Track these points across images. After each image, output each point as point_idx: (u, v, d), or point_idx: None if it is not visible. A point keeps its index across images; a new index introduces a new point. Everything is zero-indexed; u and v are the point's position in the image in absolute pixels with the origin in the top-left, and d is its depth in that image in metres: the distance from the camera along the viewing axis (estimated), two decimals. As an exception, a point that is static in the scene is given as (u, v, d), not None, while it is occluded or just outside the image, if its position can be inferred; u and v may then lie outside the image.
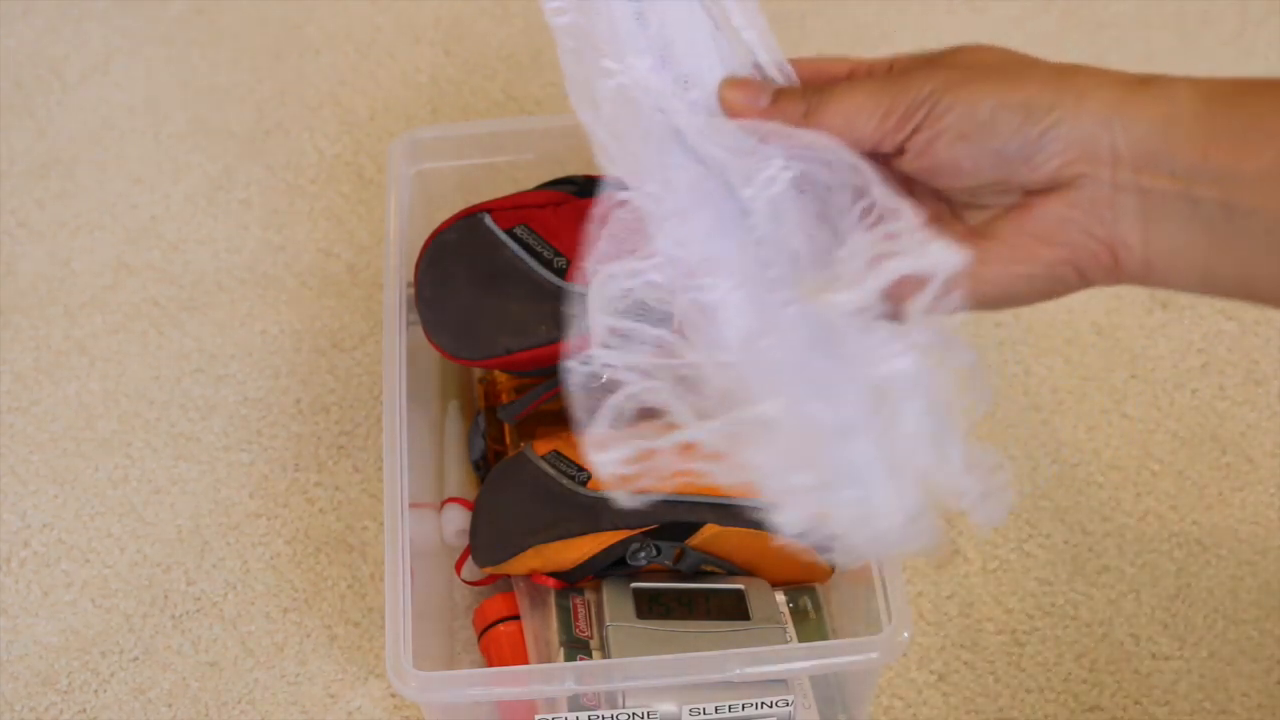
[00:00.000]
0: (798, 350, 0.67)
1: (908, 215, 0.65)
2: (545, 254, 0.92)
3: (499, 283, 0.92)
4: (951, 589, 0.98)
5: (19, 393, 1.08)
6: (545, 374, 0.94)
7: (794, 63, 0.71)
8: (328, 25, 1.28)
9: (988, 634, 0.96)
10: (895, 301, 0.65)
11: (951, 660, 0.95)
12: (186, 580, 1.00)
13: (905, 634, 0.82)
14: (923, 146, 0.64)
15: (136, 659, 0.97)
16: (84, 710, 0.95)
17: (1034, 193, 0.64)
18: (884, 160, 0.67)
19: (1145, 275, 0.63)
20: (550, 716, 0.86)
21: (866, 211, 0.66)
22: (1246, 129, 0.60)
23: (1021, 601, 0.97)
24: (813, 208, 0.68)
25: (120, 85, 1.25)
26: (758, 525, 0.90)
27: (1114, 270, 0.64)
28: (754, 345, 0.66)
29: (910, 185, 0.68)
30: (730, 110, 0.69)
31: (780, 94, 0.68)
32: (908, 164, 0.66)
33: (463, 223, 0.94)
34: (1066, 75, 0.63)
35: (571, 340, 0.92)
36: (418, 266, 0.94)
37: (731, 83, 0.69)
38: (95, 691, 0.95)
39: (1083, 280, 0.64)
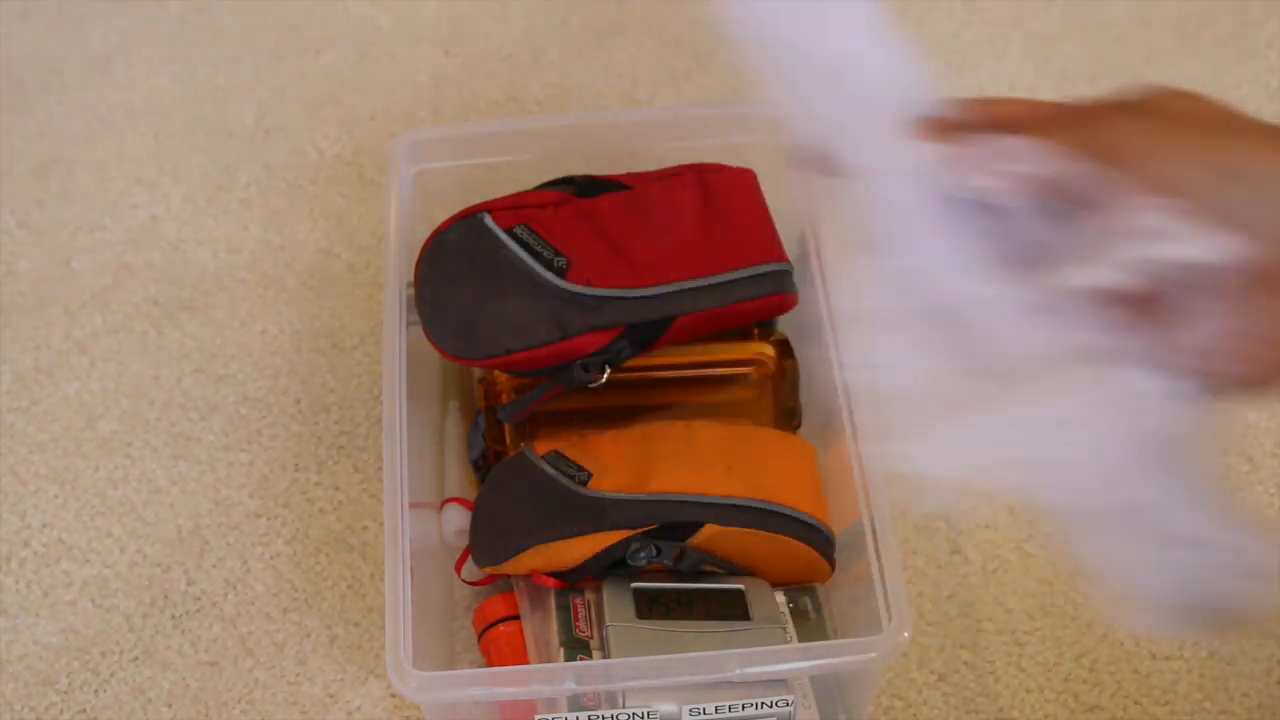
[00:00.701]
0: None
1: (1170, 206, 0.55)
2: (545, 254, 0.92)
3: (499, 283, 0.92)
4: (951, 589, 0.98)
5: (19, 393, 1.08)
6: (545, 374, 0.94)
7: (963, 103, 0.65)
8: (328, 25, 1.28)
9: (988, 634, 0.96)
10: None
11: (951, 660, 0.95)
12: (186, 580, 1.00)
13: (905, 634, 0.82)
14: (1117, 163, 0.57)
15: (136, 659, 0.97)
16: (84, 710, 0.95)
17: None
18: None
19: None
20: (550, 716, 0.86)
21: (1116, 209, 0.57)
22: None
23: (1021, 601, 0.97)
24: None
25: (120, 85, 1.25)
26: (758, 525, 0.90)
27: None
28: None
29: None
30: (920, 136, 0.62)
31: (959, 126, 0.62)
32: None
33: (463, 223, 0.94)
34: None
35: (571, 341, 0.92)
36: (418, 266, 0.94)
37: (920, 120, 0.63)
38: (95, 691, 0.95)
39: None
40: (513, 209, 0.94)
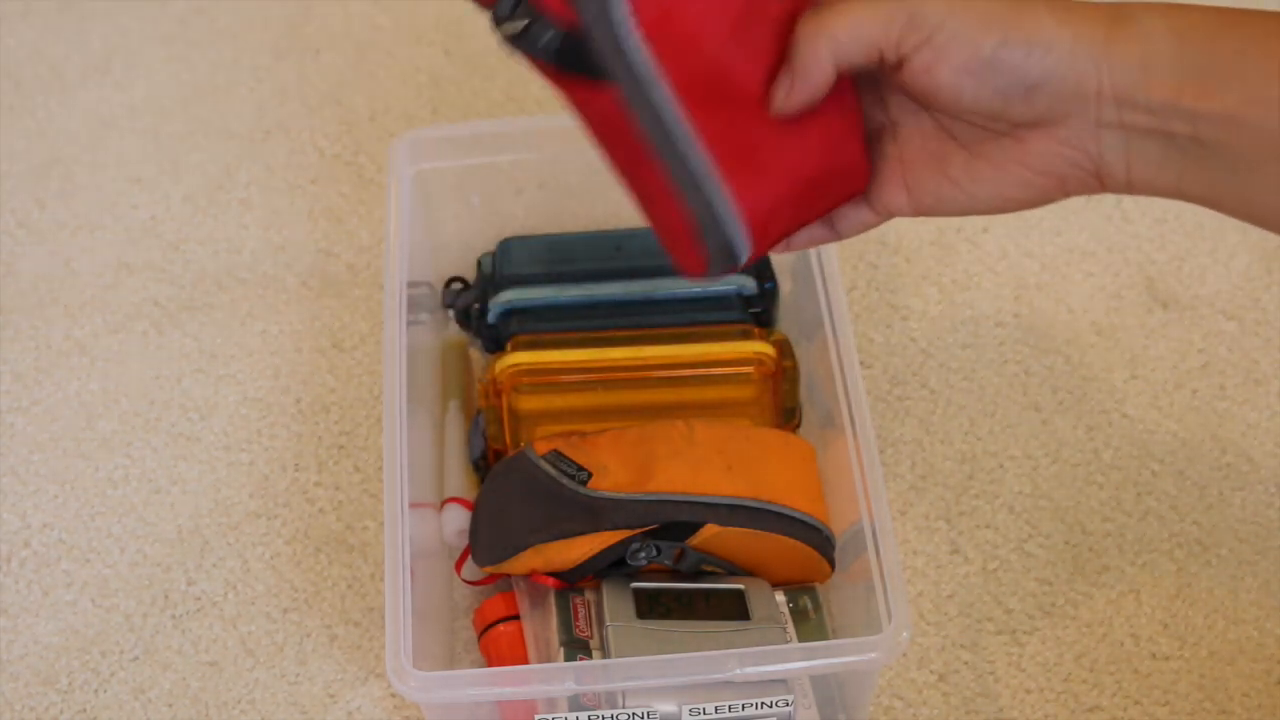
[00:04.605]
0: None
1: None
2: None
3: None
4: (951, 589, 0.98)
5: (19, 393, 1.08)
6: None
7: None
8: (328, 25, 1.28)
9: (988, 634, 0.96)
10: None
11: (951, 660, 0.95)
12: (186, 580, 1.00)
13: (905, 634, 0.82)
14: (924, 66, 0.67)
15: (136, 659, 0.97)
16: (84, 710, 0.95)
17: (1023, 125, 0.68)
18: (888, 76, 0.70)
19: (1125, 190, 0.70)
20: (550, 716, 0.86)
21: None
22: (1213, 71, 0.65)
23: (1021, 601, 0.97)
24: None
25: (120, 85, 1.25)
26: (758, 525, 0.90)
27: (1096, 188, 0.70)
28: None
29: (904, 104, 0.72)
30: (784, 109, 0.69)
31: (796, 34, 0.68)
32: (909, 81, 0.69)
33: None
34: (1059, 12, 0.66)
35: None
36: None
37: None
38: (95, 691, 0.95)
39: (1064, 194, 0.70)
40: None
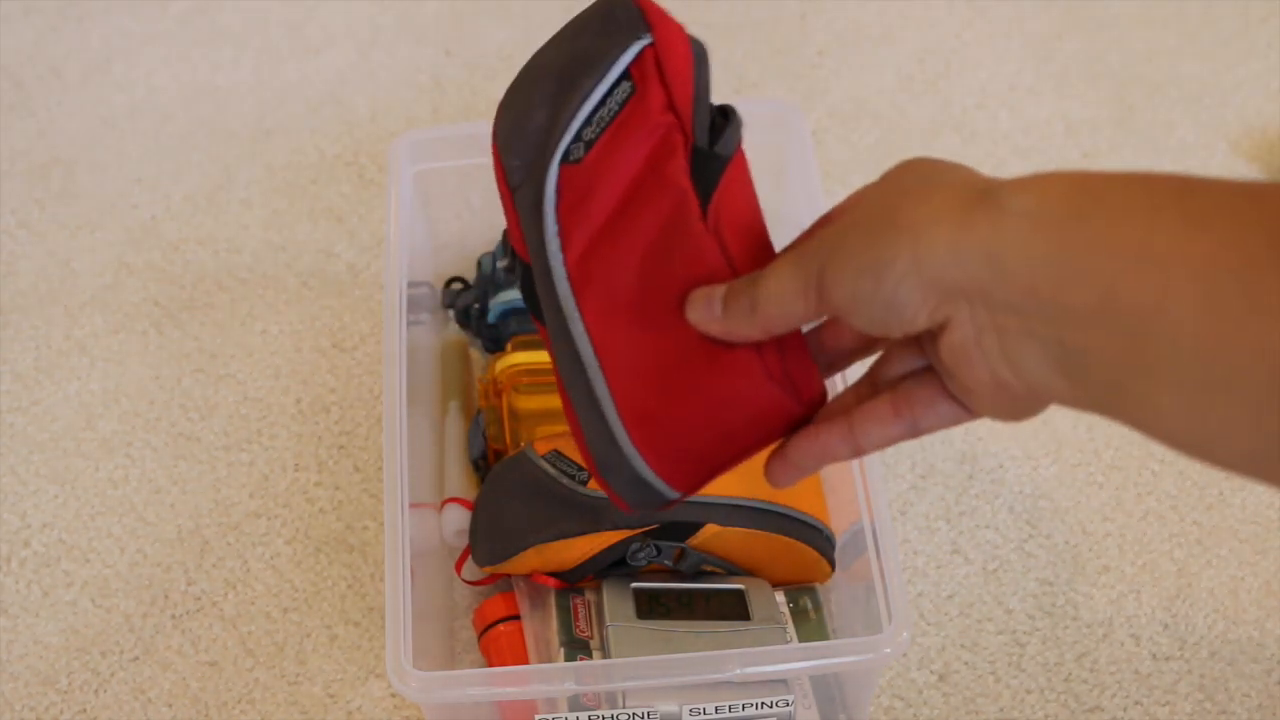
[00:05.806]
0: None
1: None
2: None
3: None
4: (951, 589, 0.98)
5: (19, 393, 1.08)
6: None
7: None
8: (328, 25, 1.28)
9: (988, 634, 0.96)
10: None
11: (951, 660, 0.95)
12: (186, 580, 1.00)
13: (905, 634, 0.82)
14: (839, 315, 0.61)
15: (136, 659, 0.97)
16: (84, 710, 0.95)
17: (934, 335, 0.60)
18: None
19: (1045, 404, 0.59)
20: (550, 716, 0.86)
21: None
22: (1071, 262, 0.53)
23: (1022, 601, 0.97)
24: None
25: (120, 85, 1.25)
26: (758, 525, 0.90)
27: (1021, 400, 0.59)
28: None
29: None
30: (697, 326, 0.66)
31: (728, 295, 0.65)
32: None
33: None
34: (905, 215, 0.57)
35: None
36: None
37: (692, 299, 0.66)
38: (95, 691, 0.95)
39: (1017, 409, 0.60)
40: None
